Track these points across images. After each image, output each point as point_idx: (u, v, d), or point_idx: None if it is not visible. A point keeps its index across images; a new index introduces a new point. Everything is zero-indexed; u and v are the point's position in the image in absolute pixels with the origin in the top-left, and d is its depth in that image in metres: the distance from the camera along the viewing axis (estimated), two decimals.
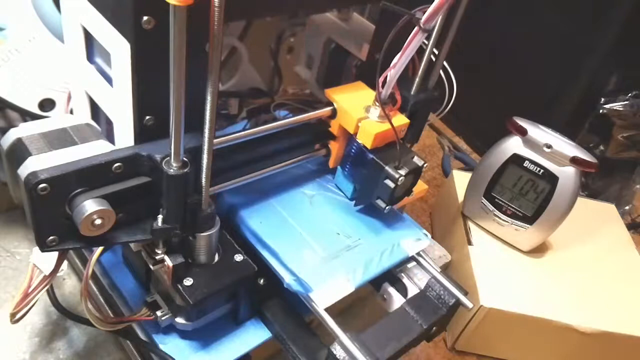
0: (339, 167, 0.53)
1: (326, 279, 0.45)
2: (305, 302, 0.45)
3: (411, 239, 0.51)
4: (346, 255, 0.48)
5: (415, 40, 0.42)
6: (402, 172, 0.47)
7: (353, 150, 0.50)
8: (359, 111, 0.48)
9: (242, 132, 0.44)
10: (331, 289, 0.45)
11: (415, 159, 0.49)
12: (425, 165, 0.49)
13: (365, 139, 0.48)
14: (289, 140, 0.49)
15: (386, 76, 0.45)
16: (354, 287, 0.46)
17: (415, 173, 0.49)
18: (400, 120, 0.49)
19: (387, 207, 0.49)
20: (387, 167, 0.47)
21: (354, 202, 0.52)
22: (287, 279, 0.45)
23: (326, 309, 0.44)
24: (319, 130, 0.51)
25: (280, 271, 0.45)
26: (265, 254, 0.46)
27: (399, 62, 0.44)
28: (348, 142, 0.51)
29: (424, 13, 0.40)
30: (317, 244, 0.48)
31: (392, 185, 0.47)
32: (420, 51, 0.49)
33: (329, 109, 0.49)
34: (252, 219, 0.48)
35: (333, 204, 0.53)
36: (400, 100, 0.48)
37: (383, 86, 0.46)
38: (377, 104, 0.47)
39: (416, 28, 0.41)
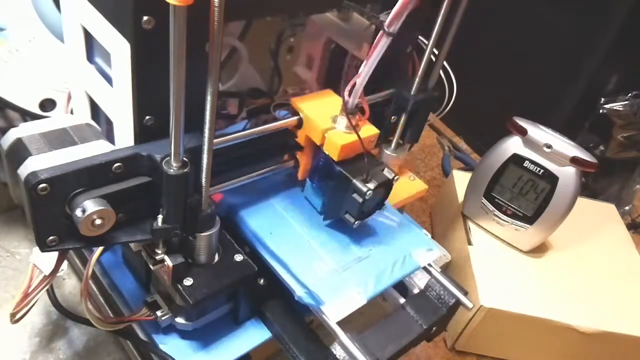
0: (307, 180, 0.51)
1: (337, 291, 0.44)
2: (317, 316, 0.44)
3: (422, 249, 0.50)
4: (357, 266, 0.47)
5: (379, 44, 0.40)
6: (371, 185, 0.45)
7: (320, 162, 0.48)
8: (326, 121, 0.46)
9: (240, 134, 0.43)
10: (343, 302, 0.44)
11: (386, 172, 0.47)
12: (396, 178, 0.47)
13: (332, 151, 0.45)
14: (254, 149, 0.46)
15: (354, 84, 0.43)
16: (365, 299, 0.45)
17: (386, 186, 0.47)
18: (369, 130, 0.47)
19: (356, 222, 0.47)
20: (354, 181, 0.45)
21: (322, 216, 0.50)
22: (298, 292, 0.44)
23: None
24: (285, 140, 0.48)
25: (292, 284, 0.44)
26: (276, 265, 0.46)
27: (365, 69, 0.42)
28: (315, 153, 0.48)
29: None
30: (327, 255, 0.47)
31: (360, 199, 0.45)
32: (420, 51, 0.49)
33: (294, 118, 0.47)
34: (263, 230, 0.48)
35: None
36: (368, 111, 0.46)
37: (350, 95, 0.44)
38: (344, 113, 0.45)
39: (380, 32, 0.40)
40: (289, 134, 0.48)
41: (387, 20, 0.39)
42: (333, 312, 0.43)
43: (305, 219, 0.50)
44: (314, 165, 0.49)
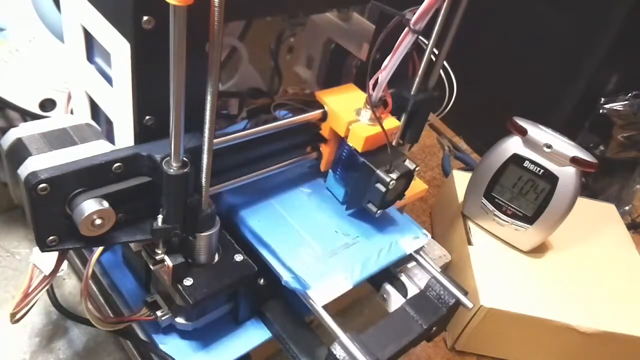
0: (330, 171, 0.52)
1: (324, 276, 0.45)
2: (304, 300, 0.45)
3: (409, 237, 0.51)
4: (344, 253, 0.48)
5: (405, 41, 0.41)
6: (394, 175, 0.46)
7: (344, 154, 0.49)
8: (350, 114, 0.47)
9: (239, 134, 0.43)
10: (329, 287, 0.45)
11: (407, 163, 0.48)
12: (417, 169, 0.49)
13: (356, 142, 0.47)
14: (280, 142, 0.48)
15: (377, 78, 0.45)
16: (352, 284, 0.46)
17: (407, 177, 0.48)
18: (392, 123, 0.48)
19: (378, 211, 0.48)
20: (378, 171, 0.46)
21: (345, 206, 0.52)
22: (285, 277, 0.45)
23: (326, 309, 0.44)
24: (309, 133, 0.50)
25: (278, 269, 0.45)
26: (264, 252, 0.46)
27: (390, 64, 0.43)
28: (339, 145, 0.50)
29: (414, 13, 0.40)
30: (315, 241, 0.48)
31: (383, 189, 0.46)
32: (420, 51, 0.49)
33: (319, 111, 0.48)
34: (251, 218, 0.49)
35: (331, 202, 0.53)
36: (391, 103, 0.48)
37: (374, 89, 0.45)
38: (368, 106, 0.46)
39: (406, 29, 0.41)
40: (313, 126, 0.49)
41: (414, 18, 0.40)
42: (319, 296, 0.44)
43: (295, 208, 0.51)
44: (337, 157, 0.51)
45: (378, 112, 0.47)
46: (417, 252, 0.51)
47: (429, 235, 0.52)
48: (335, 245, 0.49)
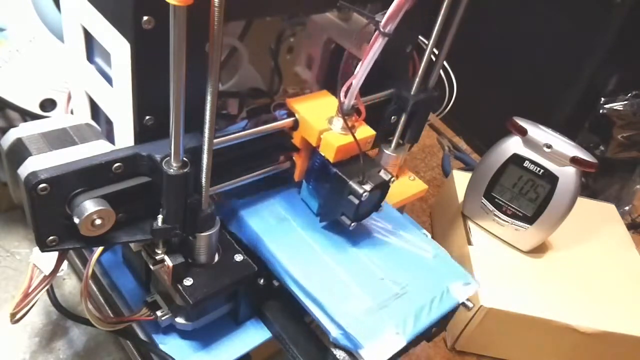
0: (304, 182, 0.50)
1: (375, 332, 0.41)
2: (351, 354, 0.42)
3: (459, 283, 0.48)
4: (394, 304, 0.44)
5: (375, 45, 0.40)
6: (367, 187, 0.44)
7: (316, 164, 0.47)
8: (322, 122, 0.45)
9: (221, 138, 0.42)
10: (381, 345, 0.41)
11: (382, 173, 0.46)
12: (392, 179, 0.46)
13: (328, 152, 0.44)
14: (252, 151, 0.46)
15: (349, 85, 0.43)
16: (405, 341, 0.42)
17: (382, 188, 0.46)
18: (366, 132, 0.46)
19: (352, 224, 0.46)
20: (350, 182, 0.44)
21: (319, 217, 0.49)
22: (334, 333, 0.42)
23: None
24: (282, 141, 0.48)
25: (326, 324, 0.42)
26: (309, 303, 0.44)
27: (361, 69, 0.41)
28: (311, 155, 0.48)
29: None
30: (361, 291, 0.44)
31: (356, 201, 0.44)
32: (421, 51, 0.49)
33: (290, 119, 0.46)
34: (290, 262, 0.45)
35: (372, 241, 0.49)
36: (364, 111, 0.46)
37: (346, 96, 0.43)
38: (340, 115, 0.44)
39: (376, 32, 0.39)
40: (285, 135, 0.47)
41: (383, 21, 0.38)
42: (372, 356, 0.40)
43: (333, 247, 0.48)
44: (310, 167, 0.49)
45: (351, 121, 0.45)
46: None
47: (478, 284, 0.48)
48: (385, 296, 0.45)
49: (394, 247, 0.50)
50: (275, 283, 0.46)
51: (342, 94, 0.44)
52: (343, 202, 0.45)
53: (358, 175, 0.45)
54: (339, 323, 0.42)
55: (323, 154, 0.45)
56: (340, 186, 0.45)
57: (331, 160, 0.45)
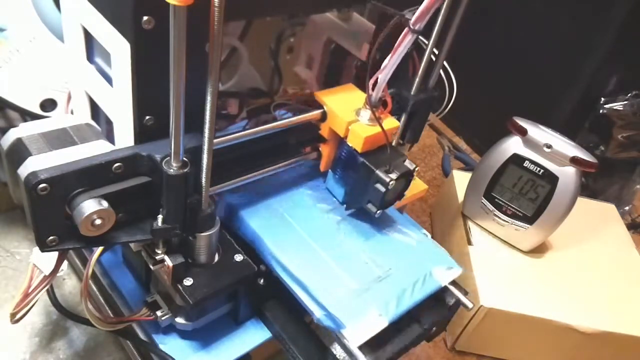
0: (329, 171, 0.52)
1: (358, 313, 0.43)
2: (337, 339, 0.43)
3: (442, 267, 0.49)
4: (377, 287, 0.45)
5: (405, 41, 0.41)
6: (393, 175, 0.46)
7: (343, 154, 0.49)
8: (349, 114, 0.47)
9: (240, 133, 0.43)
10: (364, 325, 0.42)
11: (407, 163, 0.48)
12: (416, 169, 0.48)
13: (356, 143, 0.47)
14: (279, 142, 0.48)
15: (377, 78, 0.45)
16: (387, 322, 0.43)
17: (407, 177, 0.48)
18: (391, 123, 0.48)
19: (378, 212, 0.48)
20: (377, 171, 0.46)
21: (344, 205, 0.51)
22: (318, 314, 0.43)
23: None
24: (309, 133, 0.50)
25: (310, 305, 0.43)
26: (294, 285, 0.44)
27: (389, 64, 0.43)
28: (338, 145, 0.50)
29: (414, 14, 0.40)
30: (345, 273, 0.46)
31: (382, 189, 0.46)
32: (420, 51, 0.49)
33: (318, 111, 0.48)
34: (276, 247, 0.46)
35: (358, 228, 0.50)
36: (390, 103, 0.48)
37: (373, 89, 0.45)
38: (368, 106, 0.46)
39: (406, 29, 0.41)
40: (313, 126, 0.49)
41: (414, 18, 0.40)
42: (354, 336, 0.41)
43: (321, 234, 0.48)
44: (337, 157, 0.51)
45: (377, 112, 0.47)
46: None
47: (461, 268, 0.49)
48: (368, 278, 0.46)
49: (380, 233, 0.51)
50: (262, 267, 0.47)
51: (370, 87, 0.45)
52: (370, 190, 0.47)
53: (384, 165, 0.47)
54: (323, 304, 0.43)
55: (351, 144, 0.47)
56: (367, 175, 0.47)
57: (359, 150, 0.47)
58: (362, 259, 0.48)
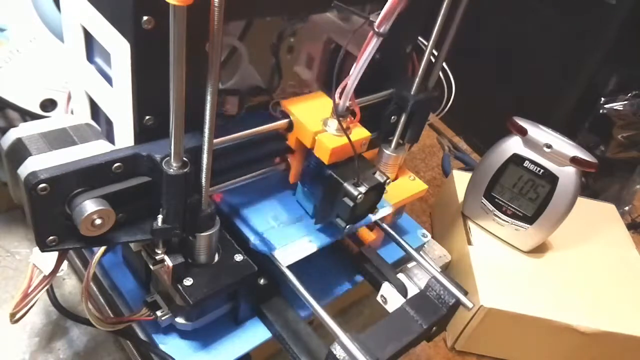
0: (299, 183, 0.50)
1: (290, 239, 0.47)
2: (271, 261, 0.46)
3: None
4: (310, 220, 0.50)
5: (370, 45, 0.40)
6: (362, 189, 0.44)
7: (311, 165, 0.47)
8: (317, 124, 0.45)
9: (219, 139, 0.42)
10: (294, 249, 0.47)
11: (377, 175, 0.46)
12: (388, 181, 0.47)
13: (322, 154, 0.44)
14: (248, 153, 0.46)
15: (344, 86, 0.43)
16: (316, 247, 0.48)
17: (377, 189, 0.46)
18: (361, 133, 0.46)
19: (347, 227, 0.46)
20: (345, 184, 0.44)
21: (313, 220, 0.50)
22: (253, 240, 0.46)
23: (325, 309, 0.44)
24: (277, 143, 0.48)
25: (248, 233, 0.47)
26: (239, 223, 0.48)
27: (355, 71, 0.41)
28: (306, 156, 0.48)
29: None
30: (285, 212, 0.51)
31: (351, 203, 0.44)
32: (420, 51, 0.49)
33: (285, 121, 0.46)
34: (234, 197, 0.50)
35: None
36: (359, 113, 0.45)
37: (340, 97, 0.43)
38: (335, 116, 0.44)
39: (370, 33, 0.39)
40: (280, 136, 0.47)
41: (377, 21, 0.38)
42: (284, 257, 0.46)
43: (276, 191, 0.52)
44: (305, 169, 0.49)
45: (346, 122, 0.44)
46: (417, 251, 0.51)
47: (391, 206, 0.53)
48: (301, 213, 0.51)
49: None
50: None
51: (337, 95, 0.43)
52: (338, 204, 0.45)
53: (353, 177, 0.45)
54: (257, 230, 0.47)
55: (318, 156, 0.45)
56: (335, 188, 0.45)
57: (326, 161, 0.44)
58: (303, 207, 0.52)
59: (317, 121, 0.45)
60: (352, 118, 0.46)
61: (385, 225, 0.54)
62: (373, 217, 0.51)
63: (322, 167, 0.45)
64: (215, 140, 0.40)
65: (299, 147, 0.47)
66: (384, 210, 0.52)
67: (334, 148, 0.44)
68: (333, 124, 0.45)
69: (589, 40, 0.83)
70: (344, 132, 0.44)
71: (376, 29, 0.38)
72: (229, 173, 0.46)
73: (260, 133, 0.45)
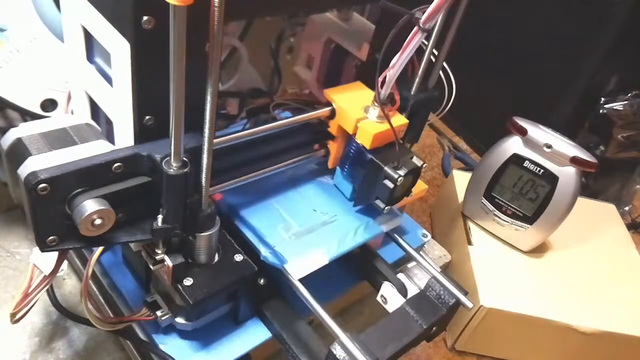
0: (337, 168, 0.53)
1: (301, 252, 0.47)
2: (283, 274, 0.46)
3: (386, 216, 0.52)
4: (322, 230, 0.50)
5: (414, 40, 0.42)
6: (401, 172, 0.47)
7: (352, 151, 0.50)
8: (358, 111, 0.48)
9: (242, 132, 0.44)
10: (306, 261, 0.46)
11: (415, 159, 0.49)
12: (424, 166, 0.49)
13: (364, 140, 0.48)
14: (288, 140, 0.49)
15: (385, 76, 0.45)
16: (328, 259, 0.47)
17: (415, 173, 0.49)
18: (399, 120, 0.49)
19: (385, 208, 0.49)
20: (386, 168, 0.47)
21: (352, 202, 0.52)
22: (264, 252, 0.46)
23: (326, 309, 0.44)
24: (318, 130, 0.51)
25: (258, 245, 0.47)
26: (244, 229, 0.48)
27: (398, 62, 0.44)
28: (347, 142, 0.51)
29: (424, 13, 0.40)
30: (294, 221, 0.50)
31: (391, 185, 0.47)
32: (420, 51, 0.49)
33: (327, 109, 0.49)
34: (234, 199, 0.50)
35: (315, 186, 0.54)
36: (399, 101, 0.48)
37: (382, 86, 0.46)
38: (376, 104, 0.47)
39: (415, 28, 0.41)
40: (322, 124, 0.50)
41: (424, 17, 0.40)
42: (295, 270, 0.45)
43: (279, 191, 0.52)
44: (345, 154, 0.51)
45: (386, 110, 0.47)
46: (417, 251, 0.51)
47: (403, 213, 0.54)
48: (313, 223, 0.50)
49: (333, 189, 0.54)
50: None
51: (379, 84, 0.46)
52: (378, 187, 0.49)
53: (393, 161, 0.48)
54: (268, 243, 0.47)
55: (359, 141, 0.48)
56: (376, 171, 0.48)
57: (367, 147, 0.47)
58: (310, 208, 0.52)
59: (359, 109, 0.48)
60: (391, 106, 0.48)
61: None
62: (385, 228, 0.52)
63: (363, 152, 0.49)
64: (219, 140, 0.41)
65: (340, 133, 0.50)
66: (396, 220, 0.53)
67: (376, 134, 0.47)
68: (374, 111, 0.48)
69: (589, 40, 0.83)
70: (387, 118, 0.47)
71: (422, 25, 0.41)
72: (272, 158, 0.48)
73: (304, 120, 0.48)
